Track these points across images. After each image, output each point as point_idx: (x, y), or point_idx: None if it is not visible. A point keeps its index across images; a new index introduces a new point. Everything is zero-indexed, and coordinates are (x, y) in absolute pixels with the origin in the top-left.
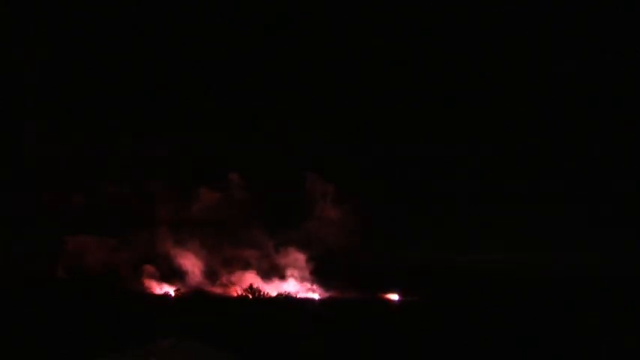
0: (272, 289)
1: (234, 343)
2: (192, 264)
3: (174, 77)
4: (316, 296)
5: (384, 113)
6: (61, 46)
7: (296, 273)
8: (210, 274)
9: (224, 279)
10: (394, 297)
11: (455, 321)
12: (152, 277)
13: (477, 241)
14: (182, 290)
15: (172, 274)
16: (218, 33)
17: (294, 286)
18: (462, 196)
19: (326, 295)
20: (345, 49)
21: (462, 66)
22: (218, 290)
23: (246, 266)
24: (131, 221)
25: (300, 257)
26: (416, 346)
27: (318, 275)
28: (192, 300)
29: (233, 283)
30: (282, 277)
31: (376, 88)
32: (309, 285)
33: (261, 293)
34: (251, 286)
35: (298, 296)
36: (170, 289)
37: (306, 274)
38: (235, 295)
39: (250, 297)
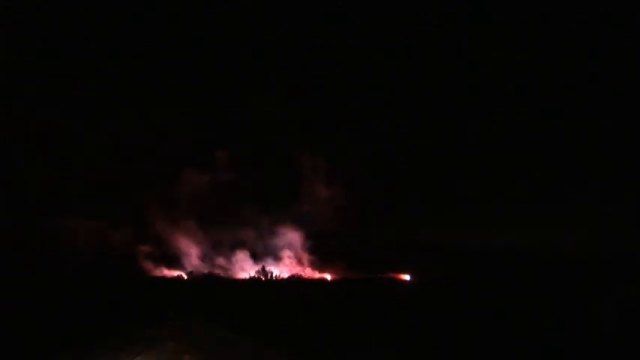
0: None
1: (250, 326)
2: (187, 246)
3: (164, 62)
4: (328, 277)
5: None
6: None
7: (293, 253)
8: (206, 257)
9: (220, 261)
10: (406, 277)
11: (470, 301)
12: (149, 259)
13: (476, 222)
14: (194, 273)
15: (167, 257)
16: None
17: (293, 267)
18: (464, 176)
19: (338, 276)
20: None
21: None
22: (218, 272)
23: (242, 247)
24: (121, 204)
25: (296, 237)
26: (435, 327)
27: (317, 255)
28: (205, 283)
29: (231, 266)
30: (280, 258)
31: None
32: (307, 265)
33: (273, 275)
34: (263, 268)
35: (310, 278)
36: (176, 272)
37: (304, 254)
38: (248, 277)
39: (262, 279)
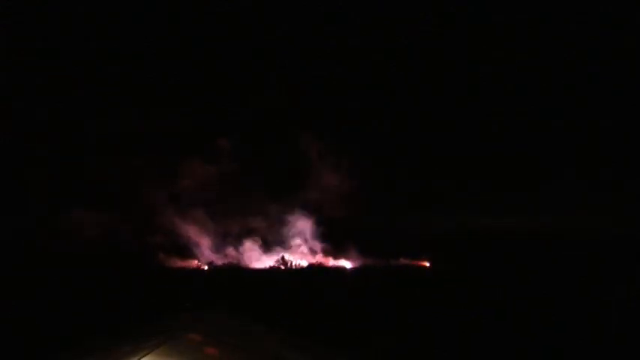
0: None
1: (274, 316)
2: (198, 237)
3: (164, 62)
4: (347, 265)
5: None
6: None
7: (304, 241)
8: (217, 247)
9: (231, 251)
10: (426, 264)
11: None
12: (161, 251)
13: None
14: (214, 264)
15: (179, 248)
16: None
17: (305, 255)
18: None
19: (356, 264)
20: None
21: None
22: (233, 262)
23: (252, 237)
24: (129, 196)
25: (307, 225)
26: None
27: (330, 243)
28: (226, 273)
29: (242, 255)
30: (291, 246)
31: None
32: (320, 253)
33: (293, 264)
34: (282, 258)
35: (328, 266)
36: (194, 263)
37: (316, 242)
38: (268, 267)
39: (283, 268)
